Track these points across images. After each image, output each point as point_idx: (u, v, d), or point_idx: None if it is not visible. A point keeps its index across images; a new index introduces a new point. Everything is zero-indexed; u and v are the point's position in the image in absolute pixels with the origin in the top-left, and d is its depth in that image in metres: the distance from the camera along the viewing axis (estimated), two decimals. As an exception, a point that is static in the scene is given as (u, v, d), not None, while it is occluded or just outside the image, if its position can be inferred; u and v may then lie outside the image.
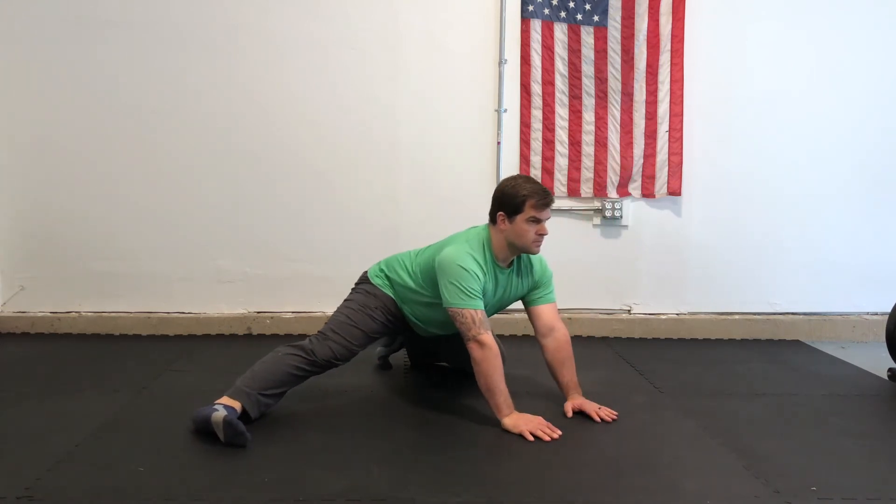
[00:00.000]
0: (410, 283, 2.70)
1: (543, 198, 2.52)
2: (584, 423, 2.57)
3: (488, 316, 2.60)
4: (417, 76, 3.76)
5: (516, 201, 2.51)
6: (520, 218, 2.51)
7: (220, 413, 2.30)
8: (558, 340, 2.68)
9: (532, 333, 2.77)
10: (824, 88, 3.88)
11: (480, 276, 2.53)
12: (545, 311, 2.71)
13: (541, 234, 2.54)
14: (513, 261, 2.67)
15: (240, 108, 3.73)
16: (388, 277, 2.79)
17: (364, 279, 2.87)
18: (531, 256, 2.71)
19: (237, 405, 2.41)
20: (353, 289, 2.88)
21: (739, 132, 3.88)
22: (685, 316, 3.97)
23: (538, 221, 2.52)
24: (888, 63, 3.88)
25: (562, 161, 3.83)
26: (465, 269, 2.49)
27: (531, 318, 2.74)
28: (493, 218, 2.60)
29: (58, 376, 3.04)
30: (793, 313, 4.00)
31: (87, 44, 3.65)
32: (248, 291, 3.83)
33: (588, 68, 3.79)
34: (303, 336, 3.72)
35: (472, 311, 2.48)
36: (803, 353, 3.70)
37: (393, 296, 2.75)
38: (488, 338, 2.46)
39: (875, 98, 3.89)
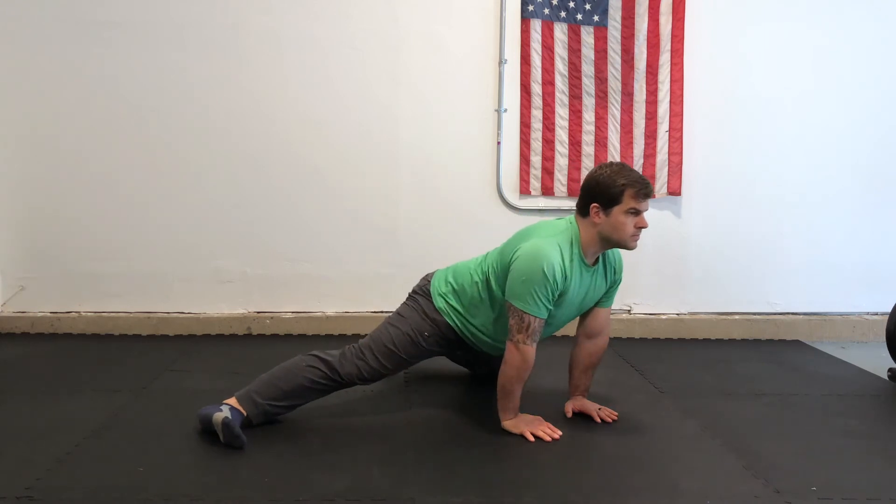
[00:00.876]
0: (478, 293, 2.49)
1: (644, 187, 2.31)
2: (584, 423, 2.57)
3: (569, 319, 2.50)
4: (417, 76, 3.76)
5: (614, 191, 2.30)
6: (617, 209, 2.31)
7: (221, 414, 2.29)
8: (598, 346, 2.57)
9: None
10: (824, 88, 3.89)
11: (560, 284, 2.33)
12: (602, 314, 2.56)
13: (640, 227, 2.35)
14: (598, 258, 2.47)
15: (240, 108, 3.73)
16: (454, 293, 2.56)
17: (426, 292, 2.62)
18: (616, 253, 2.54)
19: (243, 411, 2.38)
20: (410, 295, 2.67)
21: (739, 132, 3.88)
22: (685, 316, 3.97)
23: (637, 213, 2.33)
24: (888, 63, 3.89)
25: (562, 161, 3.83)
26: (546, 275, 2.28)
27: (584, 315, 2.58)
28: (584, 210, 2.38)
29: (58, 376, 3.04)
30: (793, 313, 4.00)
31: (86, 44, 3.65)
32: (248, 291, 3.83)
33: (588, 68, 3.79)
34: (303, 336, 3.76)
35: (531, 318, 2.32)
36: (803, 353, 3.70)
37: (453, 324, 2.55)
38: (531, 351, 2.34)
39: (875, 97, 3.90)
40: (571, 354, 2.63)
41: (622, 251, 2.51)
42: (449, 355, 2.91)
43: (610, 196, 2.32)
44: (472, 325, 2.56)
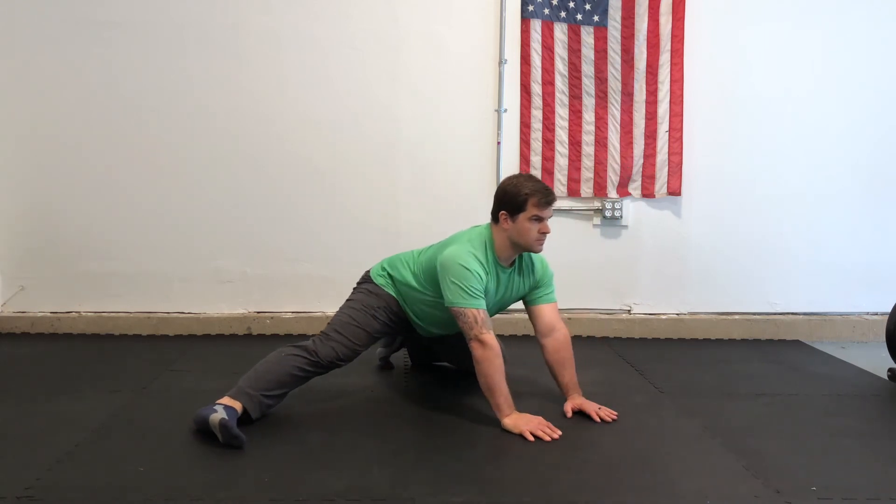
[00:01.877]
0: (413, 282, 2.71)
1: (546, 196, 2.52)
2: (584, 423, 2.57)
3: (490, 316, 2.59)
4: (417, 76, 3.76)
5: (519, 200, 2.51)
6: (522, 216, 2.51)
7: (217, 415, 2.30)
8: (559, 340, 2.68)
9: (532, 333, 2.77)
10: (824, 88, 3.89)
11: (483, 275, 2.53)
12: (546, 311, 2.71)
13: (543, 233, 2.54)
14: (514, 260, 2.67)
15: (240, 108, 3.73)
16: (390, 276, 2.78)
17: (366, 278, 2.86)
18: (532, 256, 2.71)
19: (238, 406, 2.41)
20: (355, 288, 2.87)
21: (739, 132, 3.89)
22: (685, 316, 3.97)
23: (541, 220, 2.52)
24: (888, 63, 3.89)
25: (562, 161, 3.83)
26: (468, 269, 2.49)
27: (532, 317, 2.74)
28: (495, 217, 2.60)
29: (58, 376, 3.04)
30: (793, 313, 4.00)
31: (86, 44, 3.65)
32: (248, 291, 3.83)
33: (588, 68, 3.79)
34: (303, 336, 3.75)
35: (474, 311, 2.48)
36: (803, 353, 3.70)
37: (395, 295, 2.75)
38: (490, 337, 2.47)
39: (875, 97, 3.90)
40: (544, 360, 2.71)
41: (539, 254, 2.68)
42: (410, 348, 3.16)
43: (516, 204, 2.52)
44: (411, 298, 2.73)
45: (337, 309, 2.77)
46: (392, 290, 2.76)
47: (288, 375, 2.52)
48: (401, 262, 2.79)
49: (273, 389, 2.49)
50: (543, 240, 2.57)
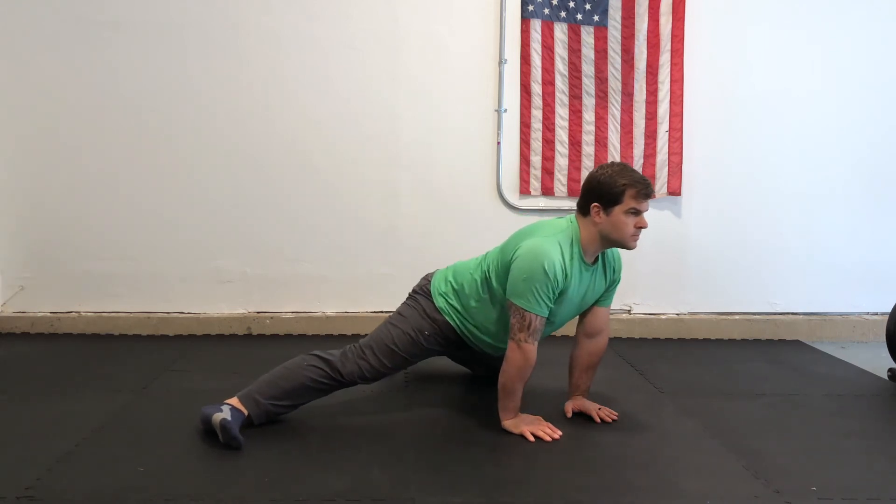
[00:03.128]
0: (481, 293, 2.50)
1: (645, 188, 2.33)
2: (584, 423, 2.57)
3: (569, 318, 2.51)
4: (417, 76, 3.76)
5: (615, 191, 2.31)
6: (618, 209, 2.32)
7: (220, 415, 2.29)
8: (599, 346, 2.58)
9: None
10: (824, 88, 3.89)
11: (560, 282, 2.34)
12: (601, 313, 2.57)
13: (640, 227, 2.36)
14: (597, 257, 2.49)
15: (240, 109, 3.73)
16: (455, 292, 2.57)
17: (426, 291, 2.64)
18: (616, 252, 2.56)
19: (244, 411, 2.38)
20: (411, 295, 2.68)
21: (739, 132, 3.88)
22: (685, 316, 3.97)
23: (638, 213, 2.34)
24: (888, 62, 3.89)
25: (562, 161, 3.83)
26: (548, 274, 2.30)
27: (584, 314, 2.59)
28: (584, 209, 2.39)
29: (58, 376, 3.04)
30: (793, 313, 4.00)
31: (86, 44, 3.65)
32: (248, 291, 3.83)
33: (588, 68, 3.79)
34: (302, 336, 3.76)
35: (532, 316, 2.33)
36: (803, 353, 3.70)
37: (454, 324, 2.56)
38: (532, 349, 2.35)
39: (875, 97, 3.90)
40: (571, 354, 2.63)
41: (621, 251, 2.53)
42: (449, 354, 2.91)
43: (611, 196, 2.33)
44: (472, 324, 2.57)
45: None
46: (451, 318, 2.56)
47: (302, 387, 2.44)
48: (468, 271, 2.58)
49: (283, 400, 2.43)
50: (639, 235, 2.39)
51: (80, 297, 3.79)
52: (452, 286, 2.60)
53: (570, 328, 2.66)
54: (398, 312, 2.64)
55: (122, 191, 3.74)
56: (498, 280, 2.46)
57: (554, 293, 2.35)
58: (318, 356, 2.50)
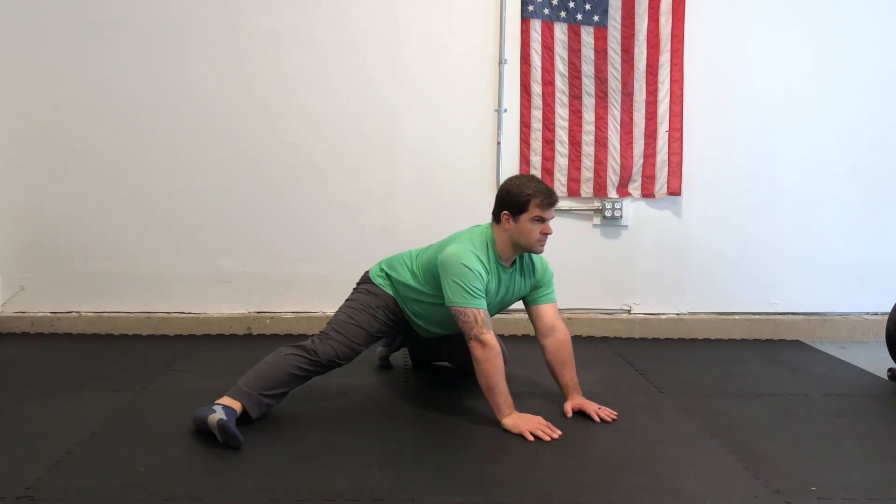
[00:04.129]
0: (412, 282, 2.70)
1: (548, 197, 2.52)
2: (584, 423, 2.57)
3: (490, 316, 2.59)
4: (417, 76, 3.76)
5: (521, 200, 2.51)
6: (524, 217, 2.51)
7: (215, 415, 2.30)
8: (559, 340, 2.68)
9: (532, 333, 2.77)
10: (824, 88, 3.89)
11: (484, 275, 2.53)
12: (546, 311, 2.71)
13: (545, 234, 2.55)
14: (515, 260, 2.67)
15: (240, 109, 3.73)
16: (389, 276, 2.78)
17: (365, 279, 2.86)
18: (533, 256, 2.71)
19: (237, 405, 2.41)
20: (354, 288, 2.87)
21: (739, 132, 3.89)
22: (685, 316, 3.97)
23: (543, 221, 2.52)
24: (887, 62, 3.89)
25: (562, 161, 3.83)
26: (469, 268, 2.49)
27: (532, 317, 2.74)
28: (497, 217, 2.60)
29: (58, 376, 3.04)
30: (793, 313, 4.00)
31: (86, 44, 3.65)
32: (248, 291, 3.83)
33: (588, 68, 3.79)
34: (303, 336, 3.75)
35: (474, 311, 2.48)
36: (803, 353, 3.70)
37: (394, 295, 2.75)
38: (490, 337, 2.47)
39: (875, 97, 3.90)
40: (544, 359, 2.71)
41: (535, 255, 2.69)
42: (407, 342, 3.12)
43: (518, 205, 2.52)
44: (409, 298, 2.73)
45: (336, 309, 2.77)
46: (391, 290, 2.76)
47: (287, 375, 2.52)
48: (399, 263, 2.79)
49: (272, 389, 2.49)
50: (545, 241, 2.57)
51: (80, 297, 3.79)
52: (387, 272, 2.80)
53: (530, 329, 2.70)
54: (346, 300, 2.82)
55: (122, 191, 3.74)
56: (420, 283, 2.68)
57: (482, 284, 2.51)
58: (293, 346, 2.60)
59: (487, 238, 2.61)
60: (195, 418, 2.37)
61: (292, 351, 2.57)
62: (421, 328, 2.81)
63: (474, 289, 2.48)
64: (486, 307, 2.52)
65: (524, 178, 2.65)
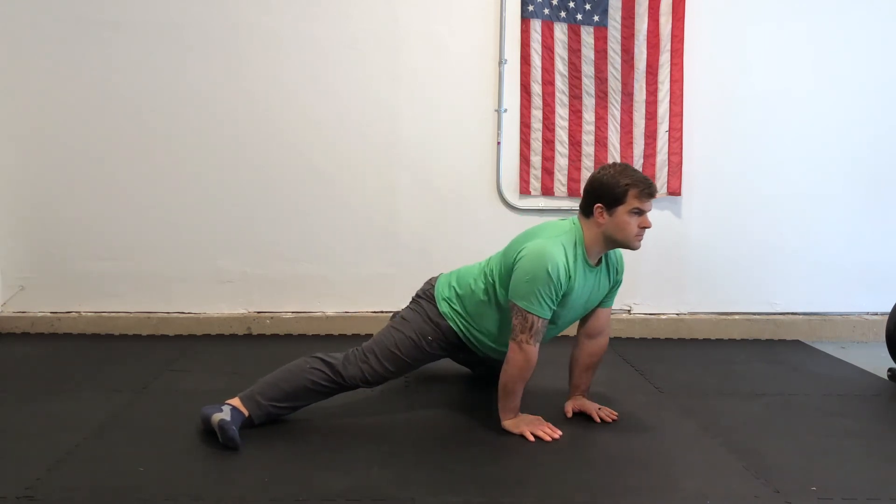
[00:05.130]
0: (482, 297, 2.50)
1: (648, 187, 2.32)
2: (584, 423, 2.57)
3: (574, 320, 2.51)
4: (417, 76, 3.76)
5: (617, 191, 2.31)
6: (621, 209, 2.32)
7: (219, 415, 2.30)
8: (600, 346, 2.59)
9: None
10: (824, 88, 3.88)
11: (564, 284, 2.34)
12: (603, 314, 2.58)
13: (644, 227, 2.36)
14: (601, 259, 2.48)
15: (240, 109, 3.73)
16: (458, 297, 2.56)
17: (430, 296, 2.62)
18: (618, 253, 2.55)
19: (245, 412, 2.38)
20: (414, 299, 2.68)
21: (739, 132, 3.88)
22: (685, 316, 3.97)
23: (641, 213, 2.33)
24: (888, 63, 3.89)
25: (562, 161, 3.83)
26: (551, 275, 2.29)
27: (586, 315, 2.59)
28: (587, 210, 2.39)
29: (58, 376, 3.03)
30: (793, 313, 4.00)
31: (86, 44, 3.65)
32: (248, 291, 3.83)
33: (588, 68, 3.79)
34: (302, 336, 3.76)
35: (535, 318, 2.32)
36: (803, 353, 3.70)
37: (456, 328, 2.56)
38: (533, 350, 2.35)
39: (875, 97, 3.89)
40: (572, 354, 2.63)
41: (623, 251, 2.53)
42: (451, 356, 2.90)
43: (614, 196, 2.32)
44: (476, 329, 2.56)
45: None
46: (454, 323, 2.55)
47: (303, 389, 2.44)
48: (469, 274, 2.59)
49: (284, 401, 2.43)
50: (643, 235, 2.38)
51: (80, 297, 3.79)
52: (456, 291, 2.59)
53: (570, 328, 2.66)
54: (401, 317, 2.63)
55: (122, 191, 3.74)
56: (501, 284, 2.46)
57: (557, 295, 2.34)
58: (321, 359, 2.49)
59: (576, 235, 2.40)
60: (202, 414, 2.36)
61: (316, 365, 2.46)
62: (488, 348, 2.58)
63: (546, 297, 2.31)
64: (548, 318, 2.36)
65: (618, 166, 2.39)
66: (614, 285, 2.58)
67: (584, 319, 2.61)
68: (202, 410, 2.37)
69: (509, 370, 2.39)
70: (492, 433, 2.45)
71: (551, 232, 2.42)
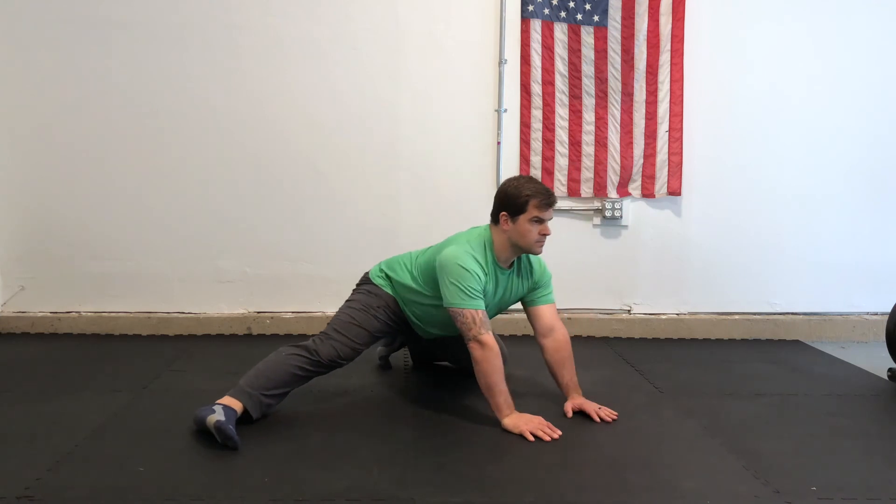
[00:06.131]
0: (411, 284, 2.70)
1: (547, 198, 2.52)
2: (584, 423, 2.57)
3: (489, 317, 2.59)
4: (417, 76, 3.76)
5: (519, 201, 2.51)
6: (523, 218, 2.51)
7: (213, 416, 2.30)
8: (558, 341, 2.68)
9: (532, 333, 2.77)
10: (824, 88, 3.88)
11: (481, 276, 2.53)
12: (545, 312, 2.72)
13: (543, 235, 2.55)
14: (513, 262, 2.67)
15: (240, 109, 3.73)
16: (388, 277, 2.79)
17: (365, 279, 2.87)
18: (531, 257, 2.71)
19: (238, 405, 2.41)
20: (354, 289, 2.87)
21: (739, 132, 3.89)
22: (685, 316, 3.97)
23: (541, 221, 2.53)
24: (888, 63, 3.88)
25: (562, 161, 3.83)
26: (466, 269, 2.49)
27: (531, 318, 2.74)
28: (495, 218, 2.60)
29: (58, 376, 3.04)
30: (793, 313, 4.00)
31: (87, 44, 3.65)
32: (248, 291, 3.84)
33: (588, 68, 3.79)
34: (303, 336, 3.75)
35: (472, 311, 2.48)
36: (803, 353, 3.70)
37: (394, 295, 2.75)
38: (489, 338, 2.47)
39: (874, 97, 3.90)
40: (544, 360, 2.72)
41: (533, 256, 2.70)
42: (406, 337, 3.06)
43: (517, 206, 2.52)
44: (409, 300, 2.73)
45: (337, 309, 2.77)
46: (391, 291, 2.76)
47: (288, 375, 2.52)
48: (398, 264, 2.79)
49: (273, 388, 2.50)
50: (543, 242, 2.57)
51: (80, 297, 3.79)
52: (386, 273, 2.81)
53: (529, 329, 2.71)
54: (346, 300, 2.81)
55: (122, 191, 3.74)
56: (419, 285, 2.68)
57: (480, 285, 2.52)
58: (294, 346, 2.60)
59: (485, 239, 2.61)
60: (195, 418, 2.37)
61: (294, 351, 2.57)
62: (421, 329, 2.81)
63: (472, 290, 2.49)
64: (483, 308, 2.52)
65: (522, 178, 2.65)
66: (536, 286, 2.72)
67: (533, 324, 2.74)
68: (196, 413, 2.38)
69: (480, 368, 2.47)
70: (492, 433, 2.45)
71: (462, 239, 2.64)
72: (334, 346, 2.60)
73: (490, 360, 2.45)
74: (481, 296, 2.52)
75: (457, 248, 2.56)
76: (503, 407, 2.47)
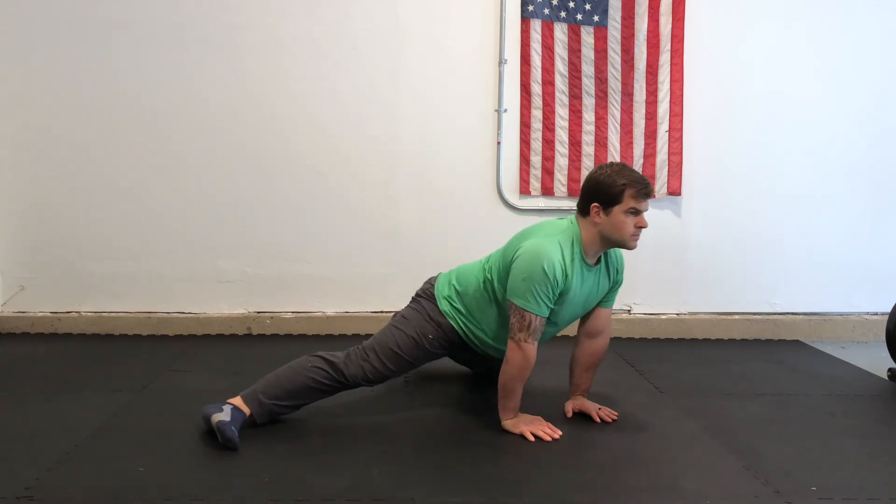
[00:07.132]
0: (482, 294, 2.50)
1: (644, 187, 2.32)
2: (584, 423, 2.57)
3: (573, 319, 2.51)
4: (417, 76, 3.76)
5: (614, 191, 2.31)
6: (617, 209, 2.31)
7: (218, 416, 2.30)
8: (599, 346, 2.58)
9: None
10: (824, 88, 3.89)
11: (560, 283, 2.33)
12: (603, 314, 2.57)
13: (640, 227, 2.35)
14: (600, 257, 2.47)
15: (240, 108, 3.73)
16: (458, 295, 2.57)
17: (430, 295, 2.63)
18: (618, 252, 2.55)
19: (247, 411, 2.38)
20: (415, 298, 2.68)
21: (739, 132, 3.89)
22: (685, 316, 3.97)
23: (637, 213, 2.33)
24: (888, 63, 3.89)
25: (562, 161, 3.83)
26: (547, 273, 2.29)
27: (586, 314, 2.58)
28: (584, 209, 2.38)
29: (58, 376, 3.03)
30: (793, 313, 4.00)
31: (86, 43, 3.65)
32: (248, 291, 3.83)
33: (588, 68, 3.79)
34: (302, 336, 3.76)
35: (532, 316, 2.32)
36: (803, 353, 3.70)
37: (457, 327, 2.56)
38: (532, 348, 2.35)
39: (875, 97, 3.90)
40: (573, 354, 2.63)
41: (623, 251, 2.53)
42: (451, 355, 2.90)
43: (610, 196, 2.32)
44: (476, 327, 2.57)
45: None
46: (454, 322, 2.55)
47: (305, 387, 2.44)
48: (469, 271, 2.59)
49: (286, 400, 2.43)
50: (639, 235, 2.38)
51: (80, 297, 3.79)
52: (456, 289, 2.59)
53: (571, 328, 2.66)
54: (402, 316, 2.63)
55: (122, 191, 3.74)
56: (500, 282, 2.46)
57: (554, 293, 2.34)
58: (323, 357, 2.49)
59: (573, 234, 2.39)
60: (203, 413, 2.36)
61: (318, 363, 2.47)
62: (479, 348, 2.60)
63: (545, 295, 2.31)
64: (546, 315, 2.36)
65: (616, 166, 2.39)
66: (614, 285, 2.57)
67: (584, 319, 2.61)
68: (203, 409, 2.37)
69: (508, 369, 2.39)
70: (492, 433, 2.45)
71: (548, 231, 2.42)
72: (364, 368, 2.47)
73: (522, 368, 2.36)
74: (551, 303, 2.35)
75: (545, 241, 2.34)
76: (510, 410, 2.45)
